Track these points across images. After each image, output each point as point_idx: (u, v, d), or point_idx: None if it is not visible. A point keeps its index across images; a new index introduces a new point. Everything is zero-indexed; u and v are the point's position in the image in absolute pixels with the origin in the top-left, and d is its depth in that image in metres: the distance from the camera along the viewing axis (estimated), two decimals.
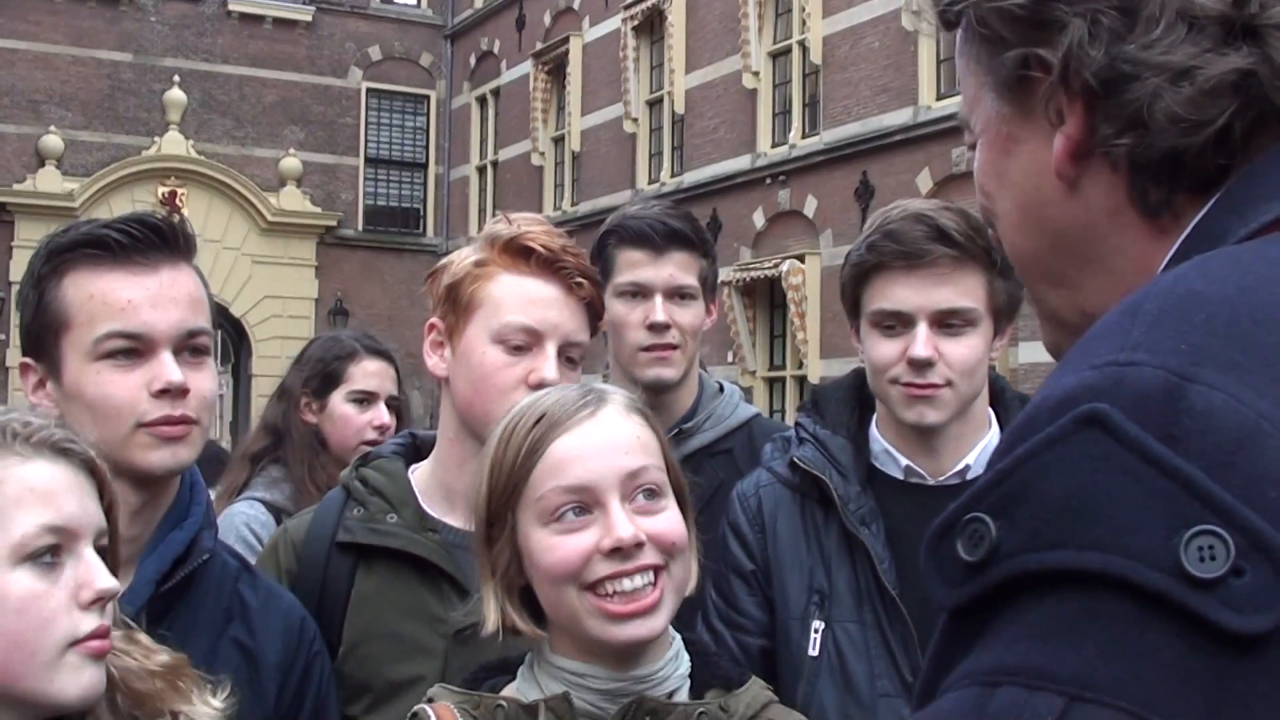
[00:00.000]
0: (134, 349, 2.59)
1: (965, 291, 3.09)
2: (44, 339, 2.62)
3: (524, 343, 2.98)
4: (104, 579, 2.08)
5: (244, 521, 4.54)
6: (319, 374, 5.04)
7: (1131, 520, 0.96)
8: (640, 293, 3.81)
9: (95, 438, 2.46)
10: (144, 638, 2.23)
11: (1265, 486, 0.96)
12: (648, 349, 3.79)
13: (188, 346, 2.65)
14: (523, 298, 2.99)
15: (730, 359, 27.31)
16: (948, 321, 3.09)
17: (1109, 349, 1.06)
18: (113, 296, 2.59)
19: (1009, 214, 1.43)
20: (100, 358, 2.57)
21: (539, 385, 2.91)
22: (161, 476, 2.66)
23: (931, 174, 24.10)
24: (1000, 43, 1.35)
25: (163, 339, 2.60)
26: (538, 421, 2.36)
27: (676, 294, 3.79)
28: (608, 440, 2.35)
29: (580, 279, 3.04)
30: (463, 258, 3.08)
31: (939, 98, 24.64)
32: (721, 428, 3.91)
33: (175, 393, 2.59)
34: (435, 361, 3.10)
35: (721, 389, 4.07)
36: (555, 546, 2.30)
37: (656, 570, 2.30)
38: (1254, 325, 1.05)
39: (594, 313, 3.11)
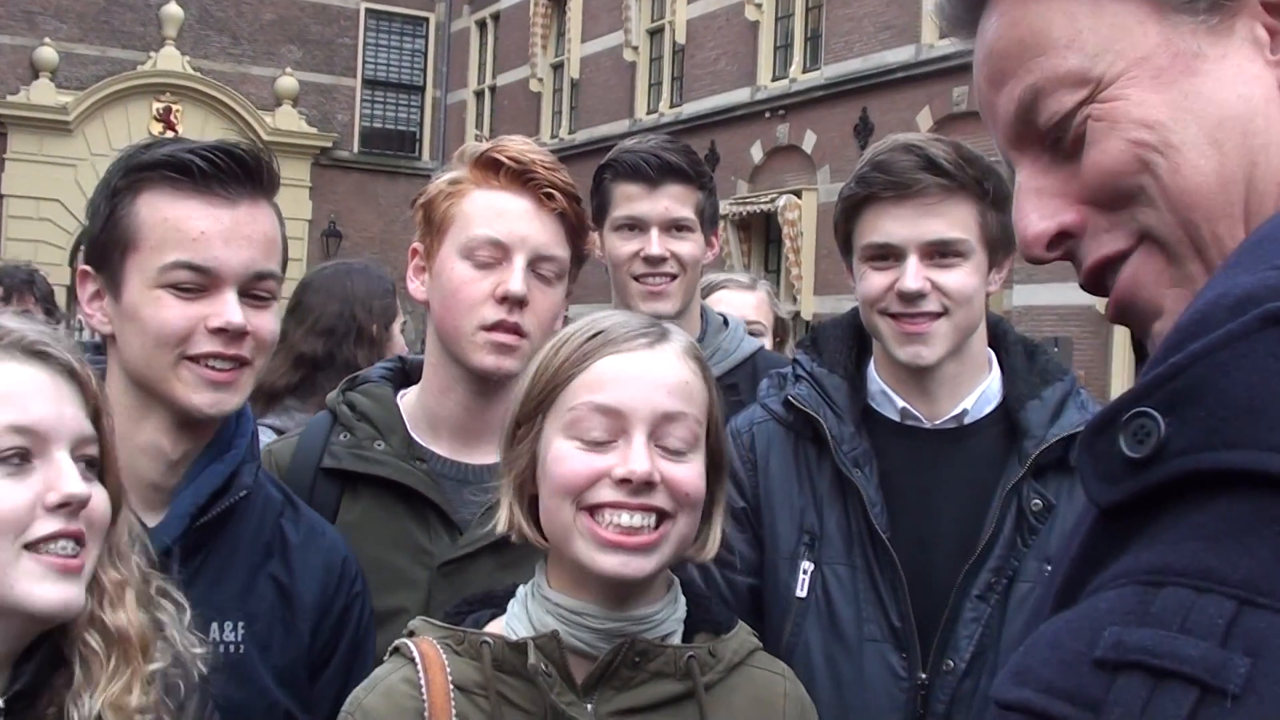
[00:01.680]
0: (199, 284, 2.52)
1: (956, 222, 3.04)
2: (109, 253, 2.55)
3: (491, 256, 2.93)
4: (72, 483, 2.03)
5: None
6: (386, 307, 5.02)
7: None
8: (636, 226, 3.78)
9: (142, 364, 2.46)
10: (130, 595, 2.14)
11: None
12: (643, 282, 3.76)
13: (254, 289, 2.58)
14: (490, 211, 2.95)
15: None
16: (939, 253, 3.04)
17: None
18: (186, 225, 2.52)
19: (1196, 136, 1.28)
20: (164, 285, 2.51)
21: (505, 298, 2.88)
22: (202, 421, 2.60)
23: (932, 112, 24.05)
24: None
25: (230, 277, 2.54)
26: (594, 336, 2.32)
27: (672, 227, 3.76)
28: (655, 374, 2.30)
29: (551, 190, 2.97)
30: (440, 179, 3.04)
31: (942, 35, 24.53)
32: (727, 363, 3.88)
33: (233, 333, 2.53)
34: (416, 286, 3.07)
35: (726, 323, 4.05)
36: (567, 458, 2.26)
37: (663, 516, 2.25)
38: None
39: (571, 226, 3.04)
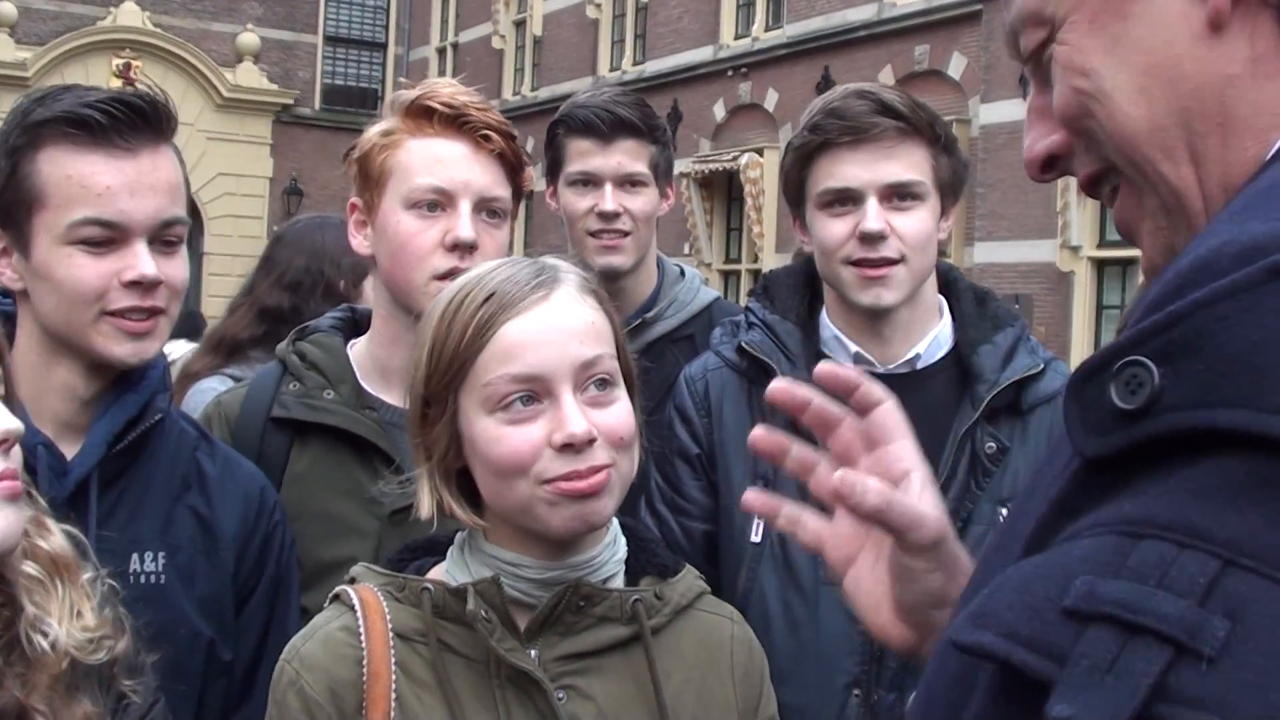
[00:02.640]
0: (109, 237, 2.52)
1: (912, 165, 3.06)
2: (14, 212, 2.54)
3: (436, 204, 2.91)
4: (6, 420, 2.03)
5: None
6: (357, 264, 4.99)
7: None
8: (590, 181, 3.78)
9: (59, 320, 2.47)
10: (50, 522, 2.16)
11: None
12: (598, 236, 3.76)
13: (162, 236, 2.59)
14: (429, 158, 2.93)
15: (687, 250, 27.31)
16: (896, 195, 3.05)
17: None
18: (90, 180, 2.51)
19: (1125, 84, 1.28)
20: (73, 242, 2.51)
21: (455, 245, 2.88)
22: (124, 369, 2.61)
23: (894, 70, 24.12)
24: None
25: (138, 228, 2.54)
26: (486, 300, 2.22)
27: (626, 181, 3.76)
28: (561, 326, 2.22)
29: (487, 131, 2.96)
30: (371, 131, 3.02)
31: None
32: (683, 314, 3.89)
33: (147, 285, 2.53)
34: (359, 241, 3.04)
35: (683, 273, 4.04)
36: (504, 438, 2.19)
37: (605, 467, 2.21)
38: None
39: (510, 166, 3.03)
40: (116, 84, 33.38)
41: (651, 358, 3.63)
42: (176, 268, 2.62)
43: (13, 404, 2.13)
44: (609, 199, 3.74)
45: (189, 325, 13.37)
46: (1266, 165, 1.16)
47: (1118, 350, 0.96)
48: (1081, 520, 0.96)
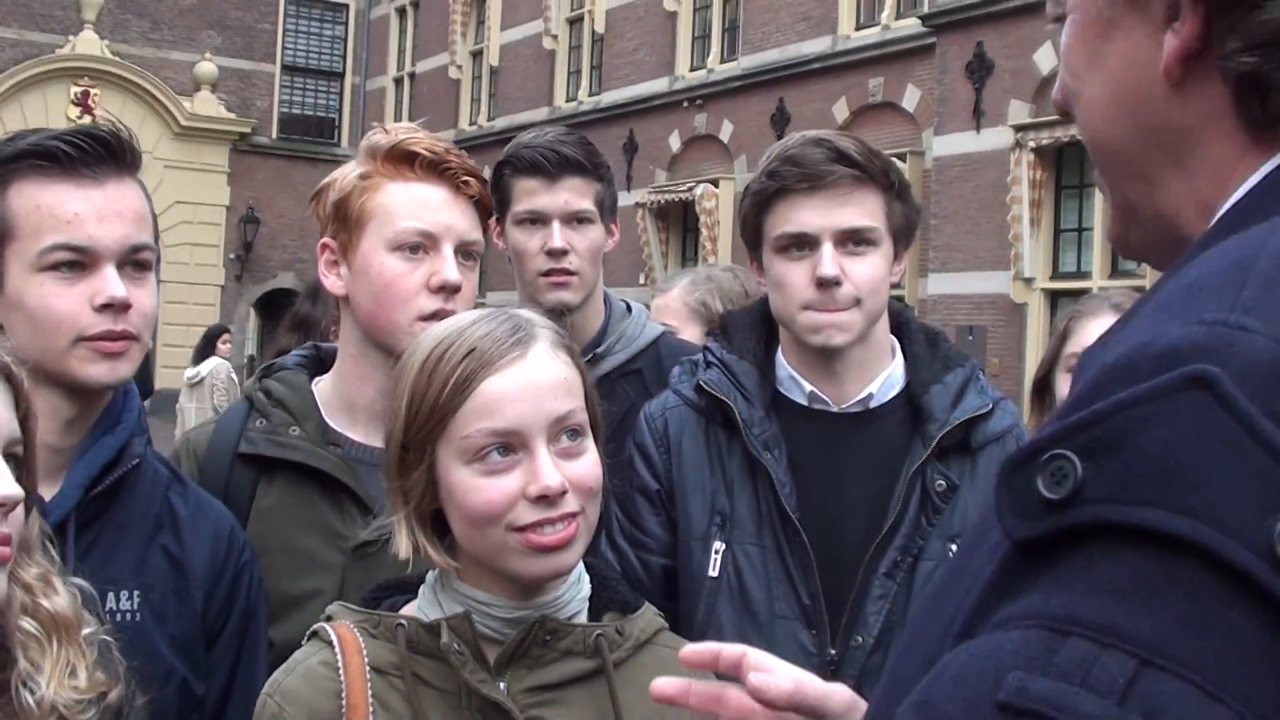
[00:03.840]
0: (78, 262, 2.58)
1: (866, 211, 3.14)
2: None
3: (420, 247, 2.98)
4: (7, 486, 2.06)
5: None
6: None
7: (1229, 494, 0.94)
8: (538, 220, 3.82)
9: (35, 349, 2.48)
10: (57, 580, 2.20)
11: None
12: (547, 274, 3.80)
13: (131, 261, 2.64)
14: (413, 202, 2.99)
15: (642, 280, 27.34)
16: (851, 241, 3.13)
17: (1218, 306, 1.03)
18: (59, 209, 2.57)
19: (1098, 100, 1.36)
20: (44, 269, 2.56)
21: (441, 287, 2.94)
22: (99, 390, 2.66)
23: (848, 103, 24.25)
24: None
25: (107, 253, 2.59)
26: (466, 355, 2.32)
27: (573, 219, 3.81)
28: (537, 383, 2.32)
29: (467, 178, 3.04)
30: (346, 174, 3.07)
31: (858, 28, 24.73)
32: (631, 349, 3.93)
33: (118, 307, 2.58)
34: (333, 281, 3.08)
35: (629, 309, 4.08)
36: (481, 488, 2.28)
37: (574, 515, 2.30)
38: None
39: (484, 210, 3.13)
40: (75, 112, 33.37)
41: (602, 392, 3.69)
42: (146, 294, 2.67)
43: (31, 463, 2.18)
44: (557, 236, 3.78)
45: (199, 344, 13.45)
46: (1205, 240, 1.21)
47: (1046, 442, 1.01)
48: (1011, 605, 1.01)
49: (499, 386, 2.28)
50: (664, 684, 1.86)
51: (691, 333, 4.92)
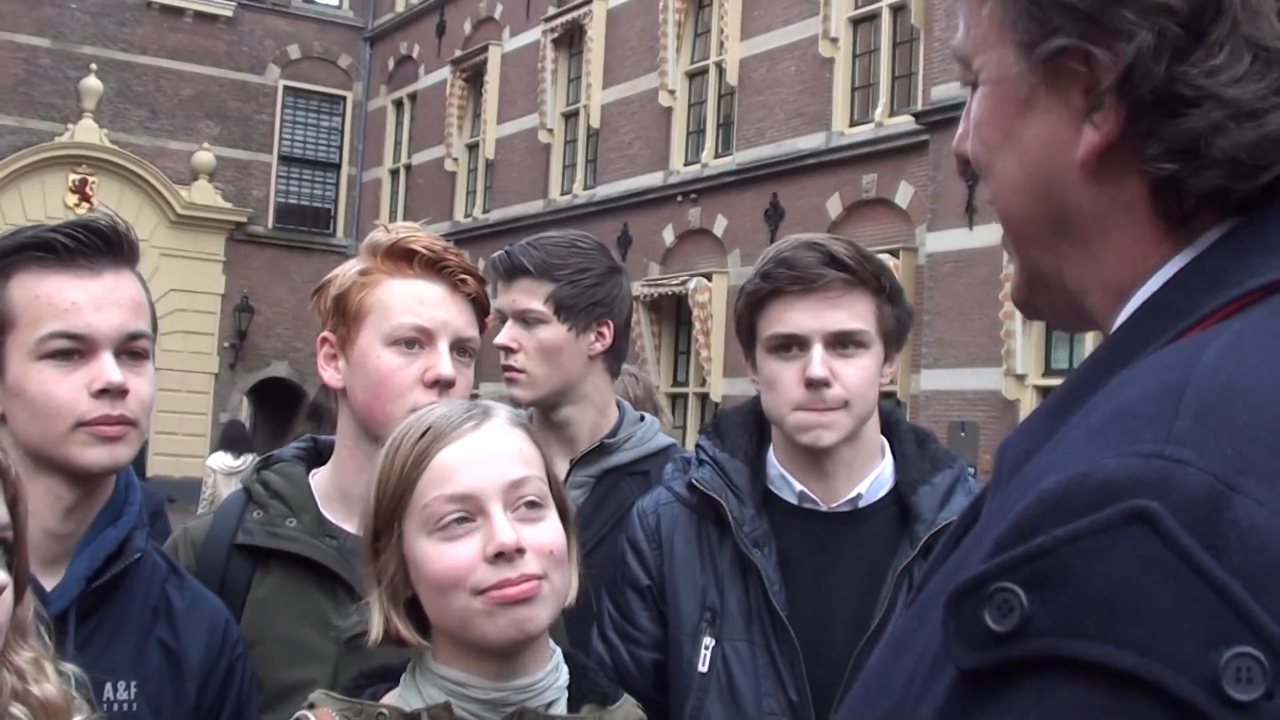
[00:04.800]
0: (76, 349, 2.63)
1: (857, 314, 3.20)
2: None
3: (416, 342, 3.03)
4: None
5: None
6: None
7: (1173, 628, 0.96)
8: (500, 317, 3.89)
9: (35, 435, 2.53)
10: (49, 667, 2.22)
11: None
12: (504, 370, 3.88)
13: (128, 349, 2.69)
14: (411, 299, 3.05)
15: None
16: (841, 343, 3.19)
17: (1152, 436, 1.04)
18: (57, 298, 2.63)
19: (1010, 173, 1.38)
20: (43, 357, 2.62)
21: (435, 382, 3.00)
22: (99, 475, 2.70)
23: (841, 199, 24.32)
24: (1044, 22, 1.29)
25: (104, 340, 2.64)
26: (424, 434, 2.42)
27: (520, 318, 3.85)
28: (491, 450, 2.41)
29: (464, 276, 3.11)
30: (347, 270, 3.13)
31: (852, 124, 24.87)
32: (641, 449, 3.95)
33: (115, 393, 2.63)
34: (331, 374, 3.14)
35: (643, 418, 4.12)
36: (442, 555, 2.35)
37: (537, 578, 2.35)
38: None
39: (481, 309, 3.18)
40: (73, 199, 33.49)
41: (607, 486, 3.79)
42: (143, 382, 2.72)
43: (22, 548, 2.20)
44: (504, 332, 3.87)
45: (231, 435, 13.82)
46: (1124, 341, 1.25)
47: (990, 574, 1.03)
48: None
49: (453, 455, 2.38)
50: None
51: None
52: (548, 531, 2.41)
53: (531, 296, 3.86)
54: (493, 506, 2.36)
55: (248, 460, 18.93)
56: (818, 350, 3.16)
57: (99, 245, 2.68)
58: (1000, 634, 1.01)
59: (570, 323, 3.88)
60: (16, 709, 2.13)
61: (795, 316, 3.19)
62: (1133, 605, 0.97)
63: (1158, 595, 0.97)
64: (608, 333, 3.96)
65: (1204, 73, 1.22)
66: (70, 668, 2.30)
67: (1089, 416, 1.14)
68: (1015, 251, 1.44)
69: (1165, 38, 1.22)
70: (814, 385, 3.15)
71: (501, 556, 2.32)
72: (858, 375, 3.18)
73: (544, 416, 3.90)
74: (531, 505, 2.41)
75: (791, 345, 3.20)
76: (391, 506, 2.41)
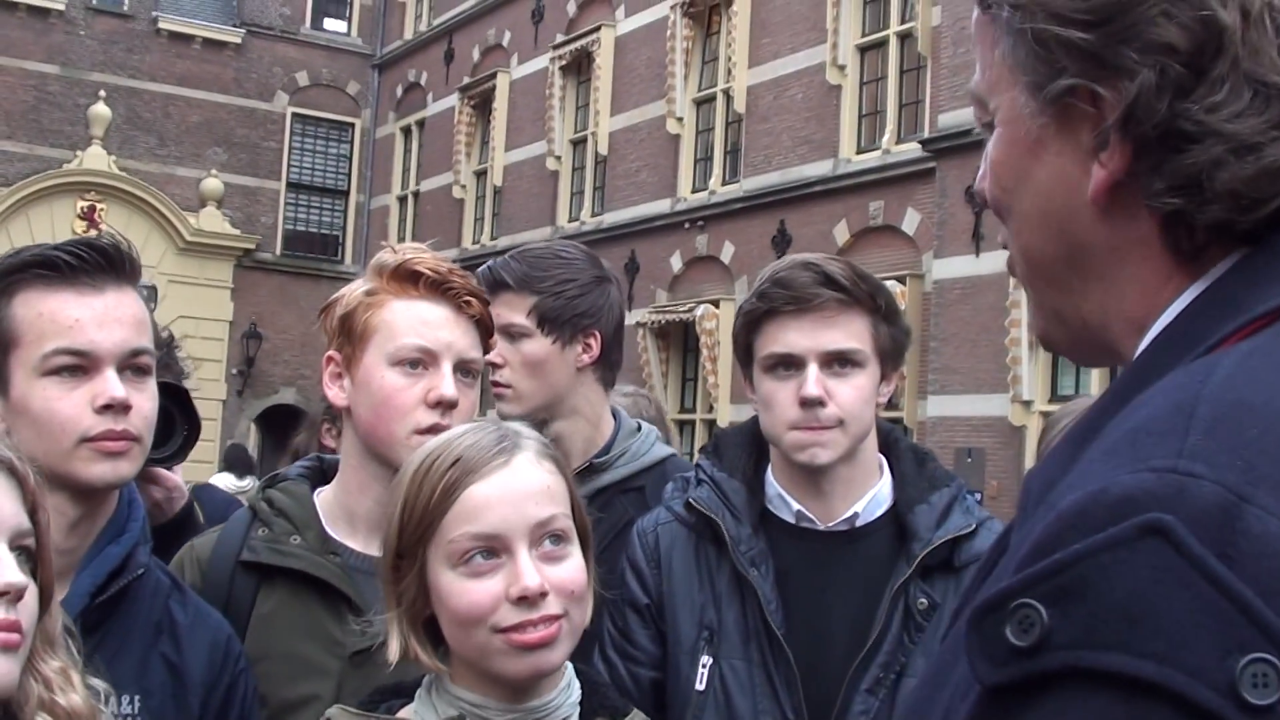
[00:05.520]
0: (79, 366, 2.66)
1: (852, 334, 3.22)
2: None
3: (420, 363, 3.05)
4: (9, 574, 2.12)
5: None
6: None
7: (1190, 636, 0.98)
8: None
9: (40, 451, 2.53)
10: (76, 677, 2.26)
11: None
12: (491, 385, 3.86)
13: (131, 365, 2.73)
14: (415, 320, 3.07)
15: None
16: (836, 362, 3.21)
17: (1165, 452, 1.07)
18: (61, 315, 2.66)
19: (1028, 214, 1.42)
20: (47, 374, 2.65)
21: (438, 403, 3.02)
22: (103, 489, 2.74)
23: (849, 226, 24.30)
24: (1051, 63, 1.34)
25: (107, 357, 2.68)
26: (453, 465, 2.44)
27: (504, 332, 3.81)
28: (519, 489, 2.43)
29: (469, 298, 3.13)
30: (353, 289, 3.16)
31: (859, 151, 24.87)
32: (634, 465, 3.94)
33: (118, 409, 2.66)
34: (335, 393, 3.16)
35: (639, 428, 4.10)
36: (466, 591, 2.38)
37: (556, 618, 2.39)
38: None
39: (485, 330, 3.20)
40: (81, 226, 33.51)
41: (600, 505, 3.73)
42: (146, 398, 2.75)
43: (45, 556, 2.24)
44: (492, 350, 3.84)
45: (233, 457, 13.82)
46: (1142, 369, 1.28)
47: (1011, 591, 1.06)
48: None
49: (482, 493, 2.40)
50: None
51: None
52: (570, 570, 2.44)
53: (514, 310, 3.84)
54: (519, 547, 2.39)
55: (250, 482, 18.95)
56: (813, 370, 3.19)
57: (101, 263, 2.72)
58: (1022, 649, 1.03)
59: (555, 335, 3.86)
60: (43, 718, 2.16)
61: (790, 336, 3.22)
62: (1150, 616, 1.00)
63: (1174, 605, 0.99)
64: (595, 343, 3.93)
65: (1205, 109, 1.26)
66: (98, 683, 2.34)
67: (1105, 440, 1.18)
68: (1034, 289, 1.47)
69: (1167, 76, 1.26)
70: (809, 404, 3.17)
71: (525, 600, 2.36)
72: (853, 394, 3.20)
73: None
74: (556, 540, 2.44)
75: (787, 365, 3.23)
76: (416, 534, 2.44)
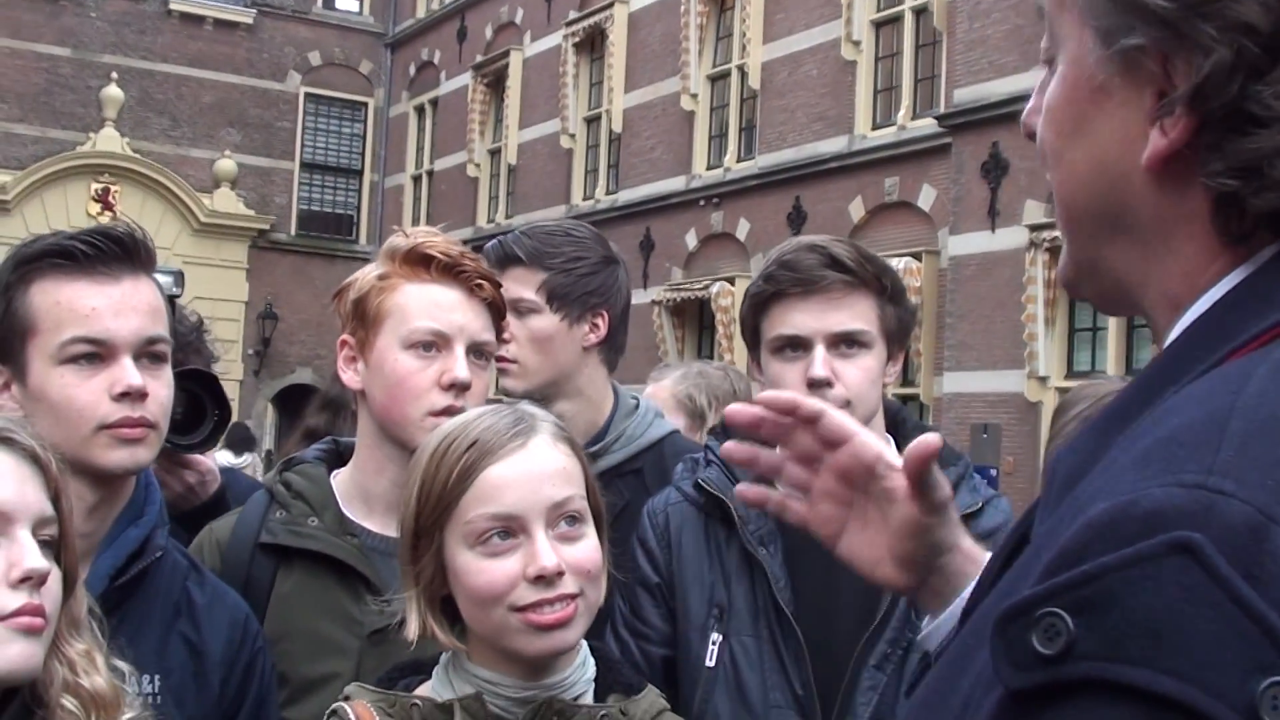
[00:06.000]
0: (96, 354, 2.71)
1: (858, 315, 3.27)
2: (11, 343, 2.73)
3: (433, 345, 3.09)
4: (33, 559, 2.15)
5: None
6: None
7: (1213, 656, 0.98)
8: None
9: (58, 438, 2.55)
10: (100, 659, 2.29)
11: None
12: (496, 360, 3.85)
13: (147, 353, 2.77)
14: (428, 303, 3.11)
15: None
16: (843, 343, 3.25)
17: (1196, 467, 1.07)
18: (78, 304, 2.71)
19: (1078, 163, 1.39)
20: (64, 362, 2.70)
21: (451, 385, 3.06)
22: (120, 476, 2.79)
23: (864, 202, 24.27)
24: (1127, 16, 1.30)
25: (124, 345, 2.72)
26: (470, 447, 2.48)
27: (512, 307, 3.76)
28: (536, 471, 2.47)
29: (480, 281, 3.17)
30: (366, 274, 3.20)
31: (874, 127, 24.82)
32: (631, 448, 3.95)
33: (135, 396, 2.71)
34: (350, 376, 3.21)
35: (637, 405, 4.12)
36: (483, 571, 2.43)
37: (573, 596, 2.43)
38: None
39: (497, 313, 3.24)
40: (95, 208, 33.49)
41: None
42: (162, 385, 2.80)
43: (68, 547, 2.27)
44: None
45: (235, 436, 13.82)
46: (1176, 362, 1.27)
47: (1038, 599, 1.07)
48: None
49: (499, 474, 2.44)
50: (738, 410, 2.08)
51: (675, 424, 4.97)
52: (586, 550, 2.48)
53: (523, 285, 3.84)
54: (536, 527, 2.43)
55: (247, 459, 19.06)
56: (819, 351, 3.23)
57: (117, 252, 2.76)
58: (1047, 656, 1.04)
59: (563, 312, 3.88)
60: (68, 701, 2.20)
61: (797, 318, 3.26)
62: (1174, 633, 1.00)
63: (1198, 624, 1.00)
64: (602, 324, 3.95)
65: (1276, 94, 1.23)
66: (123, 665, 2.38)
67: (1137, 441, 1.17)
68: (1071, 239, 1.45)
69: (1243, 56, 1.23)
70: (816, 386, 3.20)
71: (542, 579, 2.40)
72: (860, 375, 3.24)
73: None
74: (572, 521, 2.48)
75: (794, 346, 3.27)
76: (434, 515, 2.48)
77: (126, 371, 2.71)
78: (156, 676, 2.77)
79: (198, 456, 3.93)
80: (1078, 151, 1.39)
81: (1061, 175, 1.42)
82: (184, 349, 4.08)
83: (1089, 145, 1.37)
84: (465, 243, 3.29)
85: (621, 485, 3.81)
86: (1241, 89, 1.23)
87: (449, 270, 3.13)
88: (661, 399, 5.43)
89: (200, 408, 3.61)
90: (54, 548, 2.24)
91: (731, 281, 26.26)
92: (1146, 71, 1.29)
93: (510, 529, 2.43)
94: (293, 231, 39.87)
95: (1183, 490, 1.05)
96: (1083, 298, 1.54)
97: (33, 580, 2.15)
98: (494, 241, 3.98)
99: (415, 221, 37.58)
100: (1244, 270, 1.28)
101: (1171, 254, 1.33)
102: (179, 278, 3.67)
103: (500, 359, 3.81)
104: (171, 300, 3.59)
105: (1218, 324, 1.27)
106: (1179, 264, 1.32)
